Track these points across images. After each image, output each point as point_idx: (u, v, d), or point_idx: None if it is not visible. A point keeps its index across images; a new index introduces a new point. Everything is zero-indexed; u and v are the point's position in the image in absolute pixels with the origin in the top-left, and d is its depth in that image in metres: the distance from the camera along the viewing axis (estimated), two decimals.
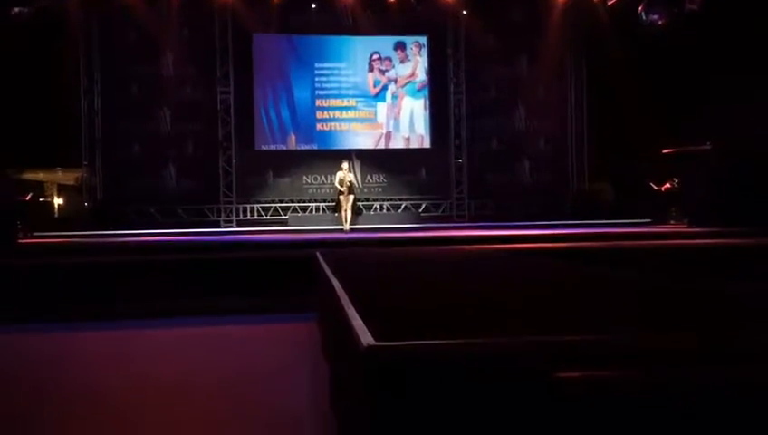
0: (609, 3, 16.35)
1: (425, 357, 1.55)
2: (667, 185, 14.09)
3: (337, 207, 13.55)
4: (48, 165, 18.48)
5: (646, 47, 14.84)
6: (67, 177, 18.58)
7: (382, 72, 17.06)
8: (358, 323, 1.88)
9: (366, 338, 1.67)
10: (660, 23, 14.66)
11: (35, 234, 12.77)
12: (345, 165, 13.30)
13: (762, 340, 1.65)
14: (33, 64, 14.30)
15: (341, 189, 13.09)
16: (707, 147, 11.85)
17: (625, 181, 16.17)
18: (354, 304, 2.27)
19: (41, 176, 18.62)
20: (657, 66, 14.41)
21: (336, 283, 3.09)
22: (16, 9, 13.71)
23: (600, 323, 2.01)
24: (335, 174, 13.55)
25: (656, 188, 14.42)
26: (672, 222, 13.44)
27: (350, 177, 13.29)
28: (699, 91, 13.14)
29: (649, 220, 13.76)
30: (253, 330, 5.94)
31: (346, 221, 13.07)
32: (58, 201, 18.74)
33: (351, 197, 13.16)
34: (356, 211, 13.54)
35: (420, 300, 2.76)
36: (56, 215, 18.08)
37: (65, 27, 15.29)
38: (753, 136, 11.50)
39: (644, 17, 14.87)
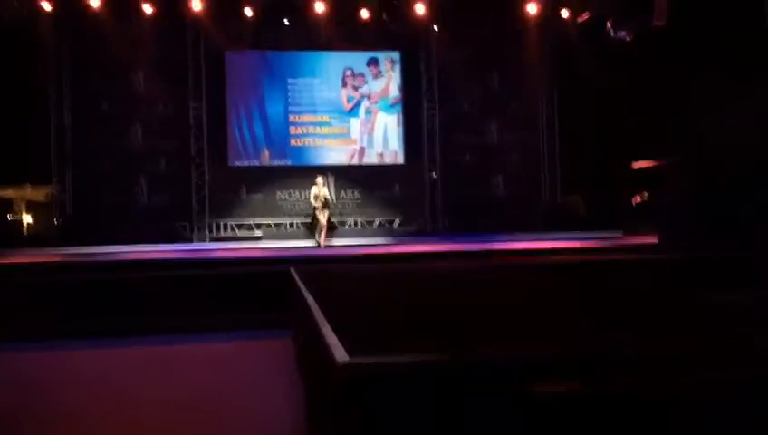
0: (580, 19, 16.61)
1: (399, 373, 1.55)
2: (638, 198, 14.27)
3: (312, 223, 13.51)
4: (17, 181, 18.21)
5: (616, 62, 15.08)
6: (36, 193, 18.31)
7: (355, 87, 17.11)
8: (332, 339, 1.88)
9: (340, 354, 1.67)
10: (628, 39, 14.91)
11: (3, 251, 12.55)
12: (320, 180, 13.18)
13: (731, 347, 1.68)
14: (2, 79, 14.12)
15: (316, 205, 13.03)
16: (678, 159, 12.02)
17: (597, 194, 16.36)
18: (328, 321, 2.27)
19: (9, 193, 18.32)
20: (628, 80, 14.64)
21: (310, 299, 3.08)
22: None
23: (572, 336, 2.03)
24: (310, 189, 13.48)
25: (627, 200, 14.61)
26: (643, 234, 13.59)
27: (324, 191, 13.15)
28: (669, 104, 13.36)
29: (620, 233, 13.91)
30: (227, 347, 5.88)
31: (321, 237, 13.03)
32: (27, 218, 18.45)
33: (326, 212, 13.10)
34: (330, 227, 13.45)
35: (394, 316, 2.77)
36: (25, 232, 17.80)
37: (35, 42, 15.13)
38: (723, 148, 11.70)
39: (612, 33, 15.11)
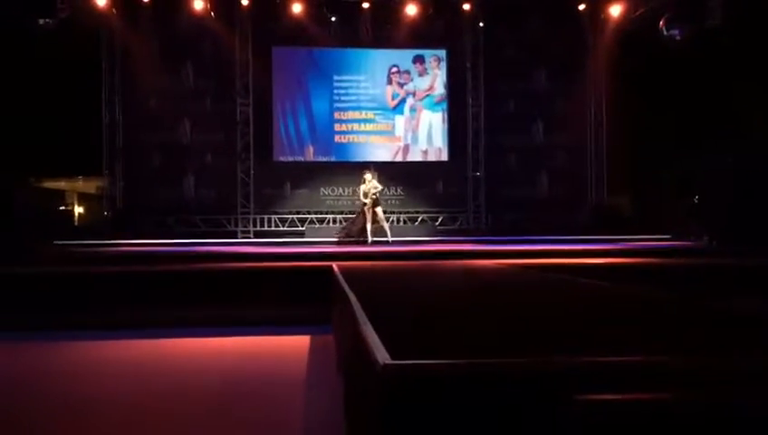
0: (630, 17, 16.31)
1: (441, 376, 1.55)
2: (687, 200, 13.95)
3: (356, 222, 13.42)
4: (69, 174, 18.73)
5: (666, 61, 14.76)
6: (88, 186, 18.82)
7: (401, 85, 17.10)
8: (374, 340, 1.88)
9: (382, 356, 1.66)
10: (680, 37, 14.60)
11: (56, 242, 12.91)
12: (368, 175, 12.99)
13: None
14: (57, 75, 14.52)
15: (365, 202, 12.89)
16: (728, 162, 11.74)
17: (644, 196, 16.06)
18: (370, 320, 2.27)
19: (62, 184, 18.87)
20: (678, 80, 14.33)
21: (352, 297, 3.09)
22: (42, 20, 13.92)
23: (616, 344, 2.00)
24: (358, 187, 13.35)
25: (675, 202, 14.29)
26: (692, 238, 13.29)
27: (373, 187, 12.90)
28: (720, 106, 13.04)
29: (669, 236, 13.62)
30: (268, 340, 5.95)
31: (369, 233, 12.87)
32: (78, 210, 18.96)
33: (378, 209, 12.88)
34: (375, 221, 12.97)
35: (436, 316, 2.75)
36: (76, 223, 18.29)
37: (88, 38, 15.52)
38: None
39: (664, 32, 14.81)
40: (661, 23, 14.84)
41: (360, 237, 13.03)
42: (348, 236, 13.36)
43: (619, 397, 1.50)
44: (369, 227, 12.94)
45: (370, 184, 12.92)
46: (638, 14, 16.02)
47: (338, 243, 13.18)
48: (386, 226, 13.00)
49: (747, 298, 5.80)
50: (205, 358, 5.31)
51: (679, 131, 13.94)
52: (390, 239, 12.84)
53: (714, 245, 10.83)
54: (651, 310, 3.02)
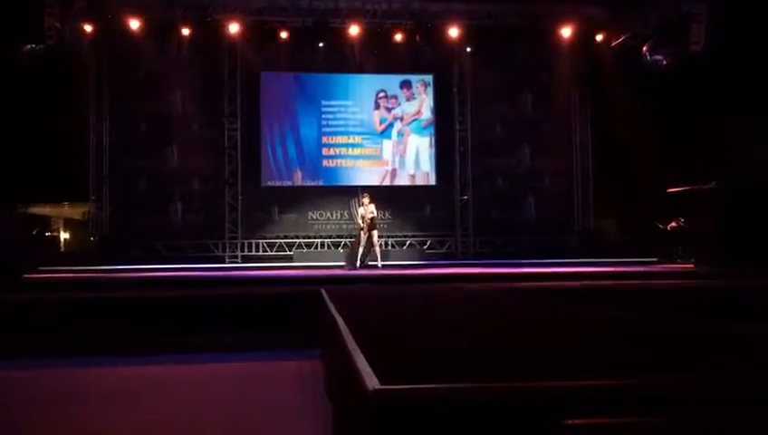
0: (613, 44, 16.55)
1: (431, 401, 1.54)
2: (673, 224, 14.05)
3: (353, 246, 13.41)
4: (55, 199, 18.60)
5: (650, 87, 14.94)
6: (74, 211, 18.68)
7: (388, 109, 17.21)
8: (363, 365, 1.87)
9: (372, 381, 1.66)
10: (664, 63, 14.80)
11: (41, 268, 12.78)
12: (365, 199, 13.05)
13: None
14: (43, 100, 14.47)
15: (362, 225, 12.93)
16: (713, 185, 11.84)
17: (630, 220, 16.15)
18: (359, 345, 2.26)
19: (47, 210, 18.73)
20: (662, 105, 14.49)
21: (341, 321, 3.08)
22: (28, 46, 13.93)
23: (605, 368, 2.00)
24: (349, 210, 13.40)
25: (661, 227, 14.39)
26: (679, 261, 13.37)
27: (370, 212, 12.92)
28: (704, 130, 13.19)
29: (655, 259, 13.69)
30: (255, 366, 5.90)
31: (359, 258, 12.81)
32: (64, 236, 18.81)
33: (373, 233, 12.87)
34: (369, 245, 12.97)
35: (425, 341, 2.75)
36: (62, 249, 18.14)
37: (76, 63, 15.51)
38: (758, 174, 11.50)
39: (648, 57, 15.02)
40: (644, 48, 15.07)
41: (354, 262, 12.97)
42: (349, 260, 13.28)
43: (607, 421, 1.49)
44: (360, 250, 12.92)
45: (368, 208, 12.97)
46: (622, 40, 16.27)
47: (345, 267, 13.04)
48: (377, 250, 12.98)
49: (736, 320, 5.82)
50: (191, 384, 5.25)
51: (664, 155, 14.07)
52: (380, 264, 12.82)
53: (702, 268, 10.89)
54: (636, 332, 3.02)
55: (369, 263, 13.01)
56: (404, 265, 13.80)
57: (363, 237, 12.90)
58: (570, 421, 1.47)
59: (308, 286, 7.42)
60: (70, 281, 10.18)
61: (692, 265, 12.02)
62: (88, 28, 15.25)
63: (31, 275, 11.27)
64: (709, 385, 1.66)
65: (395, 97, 17.25)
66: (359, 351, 2.13)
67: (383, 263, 13.08)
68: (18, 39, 13.83)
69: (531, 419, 1.52)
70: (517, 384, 1.65)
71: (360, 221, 13.12)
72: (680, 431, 1.50)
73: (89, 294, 7.57)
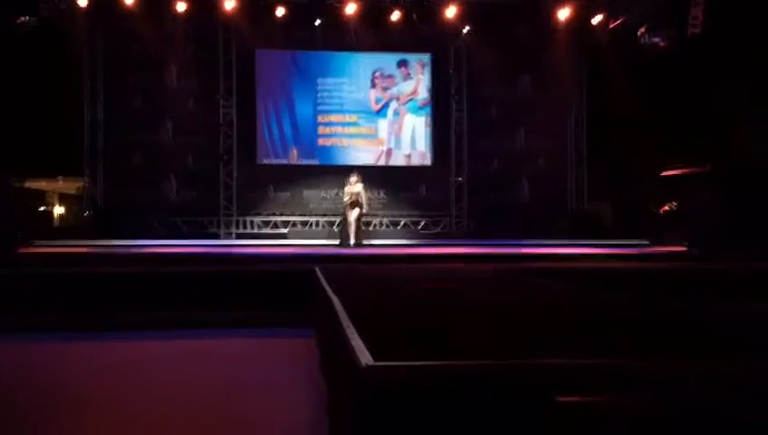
0: (611, 25, 16.47)
1: (424, 378, 1.57)
2: (666, 207, 14.10)
3: (341, 224, 13.48)
4: (49, 174, 18.54)
5: (646, 69, 14.92)
6: (68, 186, 18.65)
7: (384, 89, 17.14)
8: (357, 342, 1.90)
9: (365, 358, 1.68)
10: (661, 45, 14.75)
11: (35, 243, 12.78)
12: (353, 178, 13.16)
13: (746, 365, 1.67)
14: (37, 74, 14.37)
15: (345, 201, 13.05)
16: (707, 168, 11.87)
17: (624, 202, 16.20)
18: (353, 322, 2.29)
19: (42, 185, 18.68)
20: (658, 88, 14.48)
21: (335, 300, 3.11)
22: (22, 18, 13.78)
23: (596, 347, 2.03)
24: (343, 189, 13.44)
25: (654, 209, 14.44)
26: (669, 244, 13.42)
27: (356, 189, 13.04)
28: (699, 113, 13.20)
29: (647, 242, 13.76)
30: (249, 343, 5.93)
31: (348, 236, 12.95)
32: (59, 210, 18.78)
33: (356, 211, 12.98)
34: (358, 226, 13.11)
35: (419, 319, 2.78)
36: (56, 224, 18.12)
37: (70, 38, 15.38)
38: (752, 157, 11.54)
39: (645, 40, 14.96)
40: (641, 30, 14.99)
41: (347, 241, 13.02)
42: (343, 238, 13.33)
43: (600, 398, 1.52)
44: (352, 229, 12.96)
45: (354, 187, 13.02)
46: (619, 21, 16.20)
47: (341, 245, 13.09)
48: (352, 229, 12.97)
49: (728, 302, 5.87)
50: (186, 360, 5.28)
51: (660, 138, 14.09)
52: (352, 243, 12.83)
53: (695, 251, 10.94)
54: (627, 313, 3.06)
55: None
56: (398, 245, 13.84)
57: (350, 215, 12.95)
58: (562, 398, 1.50)
59: (302, 264, 7.45)
60: (66, 256, 10.19)
61: (684, 248, 12.08)
62: (82, 2, 15.07)
63: (25, 250, 11.28)
64: (698, 364, 1.70)
65: (391, 76, 17.16)
66: (352, 328, 2.16)
67: (373, 242, 13.11)
68: (10, 10, 13.68)
69: (523, 395, 1.55)
70: (510, 361, 1.68)
71: (345, 199, 13.16)
72: (670, 408, 1.53)
73: (82, 269, 7.58)
